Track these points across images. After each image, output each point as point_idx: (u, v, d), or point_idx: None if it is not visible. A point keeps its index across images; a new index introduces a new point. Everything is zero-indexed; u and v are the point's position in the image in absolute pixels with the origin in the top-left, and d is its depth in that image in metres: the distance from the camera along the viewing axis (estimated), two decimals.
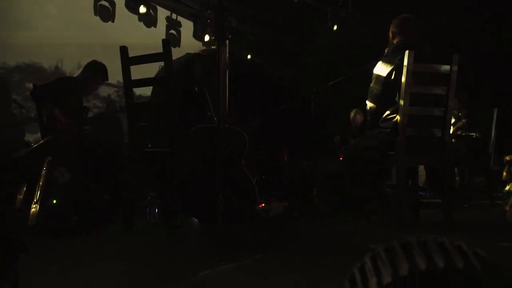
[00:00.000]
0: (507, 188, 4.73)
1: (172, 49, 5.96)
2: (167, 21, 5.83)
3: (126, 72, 2.55)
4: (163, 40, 2.44)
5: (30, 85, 3.57)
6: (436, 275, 0.50)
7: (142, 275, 1.63)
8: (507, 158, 4.72)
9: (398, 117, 2.65)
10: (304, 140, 4.77)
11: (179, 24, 5.96)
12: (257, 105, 5.99)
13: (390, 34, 2.89)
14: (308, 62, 6.60)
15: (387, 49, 2.94)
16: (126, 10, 5.16)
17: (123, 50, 2.55)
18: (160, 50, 2.45)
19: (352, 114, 5.64)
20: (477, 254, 0.54)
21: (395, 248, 0.56)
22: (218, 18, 2.04)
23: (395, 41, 2.84)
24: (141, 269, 1.71)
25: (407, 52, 2.57)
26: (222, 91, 2.07)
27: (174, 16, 5.92)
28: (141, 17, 5.35)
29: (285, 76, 6.46)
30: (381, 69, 2.80)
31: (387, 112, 2.77)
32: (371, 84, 2.88)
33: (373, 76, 2.86)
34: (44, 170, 2.55)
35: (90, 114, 4.36)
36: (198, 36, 6.04)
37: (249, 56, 6.66)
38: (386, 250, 0.57)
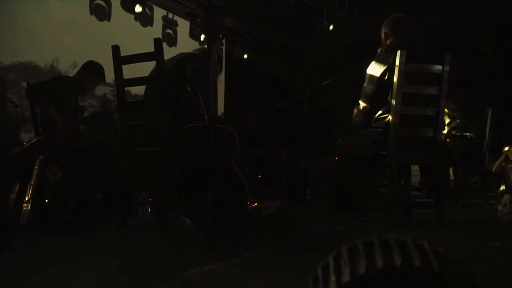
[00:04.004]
0: (501, 188, 4.74)
1: (169, 48, 5.98)
2: (163, 20, 5.83)
3: (118, 71, 2.55)
4: (155, 39, 2.44)
5: (25, 84, 3.57)
6: (393, 273, 0.50)
7: (130, 273, 1.63)
8: (506, 149, 4.70)
9: (390, 117, 2.66)
10: (300, 139, 4.78)
11: (175, 24, 5.96)
12: (255, 104, 6.00)
13: (383, 35, 2.89)
14: (305, 62, 6.61)
15: (380, 49, 2.95)
16: (122, 9, 5.16)
17: (115, 49, 2.55)
18: None
19: (355, 110, 5.61)
20: (438, 253, 0.54)
21: (358, 247, 0.57)
22: (209, 17, 2.04)
23: (387, 42, 2.85)
24: (129, 267, 1.72)
25: (399, 52, 2.58)
26: (213, 90, 2.07)
27: (170, 15, 5.92)
28: (137, 16, 5.36)
29: (282, 75, 6.47)
30: (375, 69, 2.80)
31: (380, 112, 2.77)
32: (364, 84, 2.88)
33: (367, 76, 2.87)
34: (36, 169, 2.56)
35: (86, 113, 4.37)
36: (195, 35, 6.04)
37: (245, 56, 6.67)
38: (348, 249, 0.58)
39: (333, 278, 0.52)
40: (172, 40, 5.92)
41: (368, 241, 0.58)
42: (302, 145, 4.78)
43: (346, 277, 0.52)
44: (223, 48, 6.77)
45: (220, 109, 6.65)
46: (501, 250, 1.83)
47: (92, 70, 3.56)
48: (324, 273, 0.57)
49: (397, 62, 2.58)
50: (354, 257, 0.56)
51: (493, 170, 4.86)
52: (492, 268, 1.62)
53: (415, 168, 4.84)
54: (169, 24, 5.89)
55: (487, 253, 1.91)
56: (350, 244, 0.60)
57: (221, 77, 6.31)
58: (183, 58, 2.74)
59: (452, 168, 4.62)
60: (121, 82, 2.59)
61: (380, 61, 2.79)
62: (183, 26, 6.06)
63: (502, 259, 1.74)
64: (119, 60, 2.56)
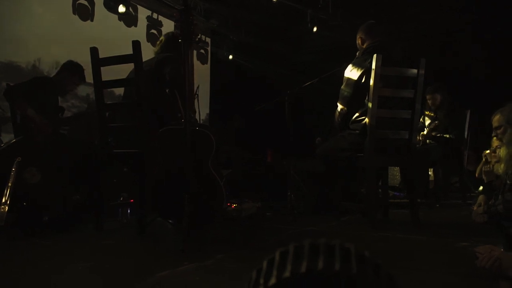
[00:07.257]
0: (480, 188, 4.82)
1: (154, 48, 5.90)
2: (148, 20, 5.82)
3: (96, 73, 2.55)
4: (133, 42, 2.44)
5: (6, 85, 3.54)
6: (315, 276, 0.53)
7: (103, 274, 1.64)
8: (485, 152, 4.78)
9: (367, 119, 2.70)
10: (285, 139, 4.80)
11: (160, 24, 5.95)
12: (240, 105, 6.01)
13: (359, 40, 2.95)
14: (290, 63, 6.64)
15: (358, 52, 2.99)
16: (106, 9, 5.14)
17: (93, 51, 2.55)
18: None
19: (337, 113, 5.66)
20: (361, 257, 0.57)
21: (289, 251, 0.59)
22: (185, 21, 2.05)
23: (364, 46, 2.90)
24: (103, 269, 1.73)
25: (375, 55, 2.62)
26: (188, 93, 2.09)
27: (155, 15, 5.91)
28: (121, 16, 5.34)
29: (267, 76, 6.50)
30: (352, 72, 2.85)
31: (356, 114, 2.82)
32: (342, 87, 2.93)
33: (344, 78, 2.91)
34: (13, 170, 2.55)
35: (69, 114, 4.34)
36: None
37: (230, 57, 6.69)
38: (281, 253, 0.60)
39: (261, 281, 0.55)
40: (157, 41, 5.90)
41: (299, 245, 0.61)
42: (287, 145, 4.81)
43: (273, 280, 0.55)
44: (209, 49, 6.78)
45: (205, 108, 6.66)
46: (466, 250, 1.89)
47: (71, 70, 3.54)
48: (258, 274, 0.60)
49: (373, 65, 2.63)
50: (284, 260, 0.58)
51: (476, 175, 4.94)
52: (450, 270, 1.68)
53: (396, 169, 4.91)
54: (153, 24, 5.88)
55: (450, 254, 1.97)
56: (284, 248, 0.62)
57: (206, 72, 6.30)
58: (161, 60, 2.75)
59: (432, 169, 4.70)
60: (99, 84, 2.59)
61: (357, 64, 2.84)
62: (168, 26, 6.05)
63: (460, 260, 1.80)
64: (97, 62, 2.56)
